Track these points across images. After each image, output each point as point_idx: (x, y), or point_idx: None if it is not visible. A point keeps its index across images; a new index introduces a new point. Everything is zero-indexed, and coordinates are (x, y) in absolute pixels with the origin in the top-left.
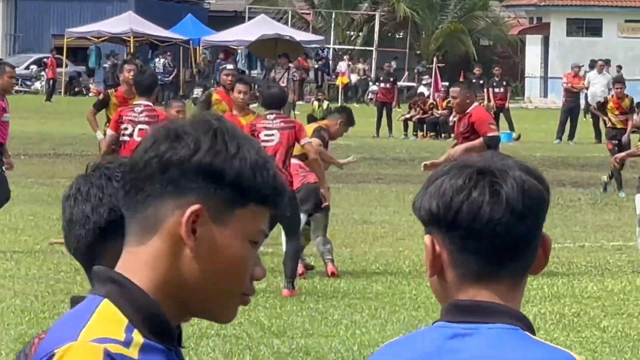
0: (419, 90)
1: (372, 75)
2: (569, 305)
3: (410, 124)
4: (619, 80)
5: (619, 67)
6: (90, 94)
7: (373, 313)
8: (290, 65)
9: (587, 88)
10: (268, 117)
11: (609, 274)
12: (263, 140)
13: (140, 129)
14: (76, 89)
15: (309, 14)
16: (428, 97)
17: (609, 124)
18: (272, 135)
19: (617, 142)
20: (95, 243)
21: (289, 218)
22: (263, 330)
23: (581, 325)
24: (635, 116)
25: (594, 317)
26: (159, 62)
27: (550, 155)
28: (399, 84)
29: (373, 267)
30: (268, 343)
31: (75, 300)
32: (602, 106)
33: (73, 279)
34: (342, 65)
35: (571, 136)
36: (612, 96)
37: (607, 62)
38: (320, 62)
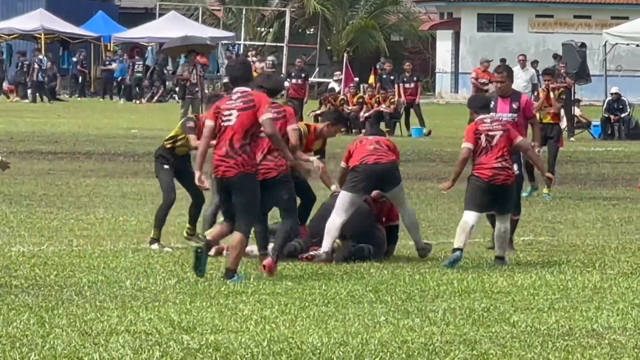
0: (329, 86)
1: (283, 71)
2: (478, 300)
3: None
4: (547, 72)
5: (535, 62)
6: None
7: (283, 309)
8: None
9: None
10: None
11: (519, 269)
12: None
13: None
14: None
15: (220, 10)
16: (339, 92)
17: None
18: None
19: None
20: None
21: (285, 200)
22: (173, 326)
23: (491, 320)
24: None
25: (504, 312)
26: (77, 59)
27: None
28: (310, 79)
29: (283, 263)
30: (178, 339)
31: None
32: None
33: None
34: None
35: None
36: (542, 89)
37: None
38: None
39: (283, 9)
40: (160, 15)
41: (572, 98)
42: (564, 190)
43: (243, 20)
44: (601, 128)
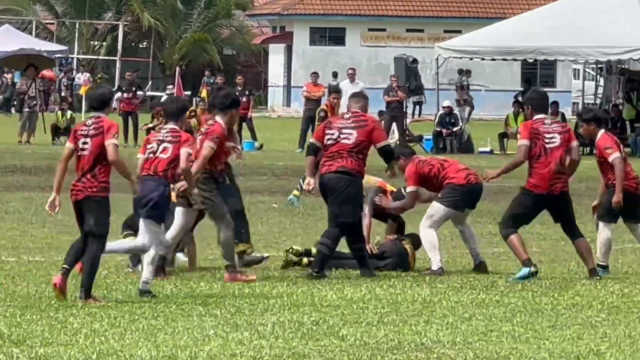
0: (162, 100)
1: (116, 84)
2: (308, 314)
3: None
4: (335, 90)
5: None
6: None
7: (112, 322)
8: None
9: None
10: (87, 122)
11: (349, 282)
12: (81, 149)
13: None
14: None
15: (53, 23)
16: None
17: None
18: (87, 144)
19: None
20: None
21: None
22: (2, 339)
23: (320, 334)
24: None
25: (333, 325)
26: None
27: (292, 165)
28: (142, 93)
29: (113, 277)
30: (7, 352)
31: None
32: (323, 120)
33: None
34: (81, 77)
35: None
36: (327, 106)
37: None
38: (67, 73)
39: (116, 22)
40: None
41: (404, 111)
42: None
43: (76, 34)
44: (433, 142)
